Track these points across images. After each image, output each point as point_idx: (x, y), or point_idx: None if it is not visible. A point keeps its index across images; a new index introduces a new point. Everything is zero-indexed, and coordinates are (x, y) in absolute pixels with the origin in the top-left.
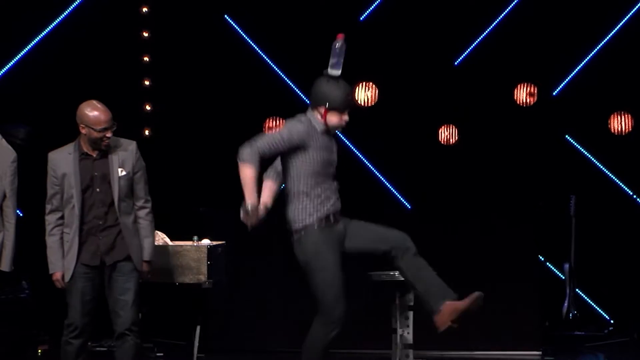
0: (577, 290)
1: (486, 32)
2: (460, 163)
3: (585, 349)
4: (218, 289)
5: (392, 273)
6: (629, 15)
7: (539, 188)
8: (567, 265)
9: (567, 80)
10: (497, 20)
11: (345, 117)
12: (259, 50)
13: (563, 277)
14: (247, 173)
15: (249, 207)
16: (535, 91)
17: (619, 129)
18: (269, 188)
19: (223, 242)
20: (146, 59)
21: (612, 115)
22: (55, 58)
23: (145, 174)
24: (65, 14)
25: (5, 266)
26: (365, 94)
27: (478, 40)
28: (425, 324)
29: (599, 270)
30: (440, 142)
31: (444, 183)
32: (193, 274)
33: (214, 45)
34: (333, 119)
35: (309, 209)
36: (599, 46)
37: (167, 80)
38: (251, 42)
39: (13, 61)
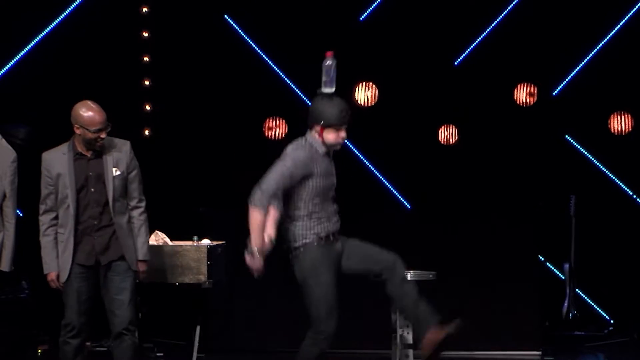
0: (577, 290)
1: (486, 32)
2: (460, 163)
3: (585, 349)
4: (218, 289)
5: None
6: (628, 15)
7: (539, 188)
8: (567, 265)
9: (567, 80)
10: (497, 20)
11: (342, 134)
12: (258, 50)
13: (563, 277)
14: (256, 217)
15: (255, 251)
16: (535, 91)
17: (619, 129)
18: (272, 217)
19: (223, 242)
20: (146, 59)
21: (612, 115)
22: (55, 58)
23: (140, 173)
24: (65, 14)
25: (5, 266)
26: (365, 94)
27: (478, 40)
28: None
29: (599, 270)
30: (440, 142)
31: (444, 183)
32: (193, 274)
33: (214, 46)
34: (330, 136)
35: (308, 228)
36: (599, 46)
37: (167, 80)
38: (251, 42)
39: (13, 61)
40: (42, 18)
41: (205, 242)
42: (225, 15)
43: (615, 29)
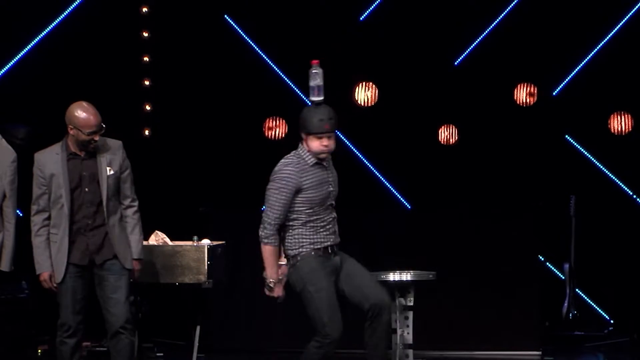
0: (577, 290)
1: (486, 32)
2: (460, 163)
3: (585, 349)
4: (218, 289)
5: (391, 273)
6: (628, 16)
7: (538, 188)
8: (567, 266)
9: (567, 80)
10: (497, 20)
11: (325, 142)
12: (258, 50)
13: (563, 277)
14: (267, 251)
15: (272, 284)
16: (535, 91)
17: (619, 129)
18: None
19: (223, 242)
20: (146, 59)
21: (612, 115)
22: (55, 58)
23: (132, 173)
24: (65, 14)
25: (5, 266)
26: (365, 94)
27: (478, 40)
28: (425, 324)
29: (599, 270)
30: (440, 142)
31: (444, 183)
32: (193, 274)
33: (214, 45)
34: (313, 144)
35: (304, 236)
36: (599, 46)
37: (167, 80)
38: (251, 42)
39: (13, 61)
40: (42, 18)
41: (205, 242)
42: (225, 15)
43: (615, 29)
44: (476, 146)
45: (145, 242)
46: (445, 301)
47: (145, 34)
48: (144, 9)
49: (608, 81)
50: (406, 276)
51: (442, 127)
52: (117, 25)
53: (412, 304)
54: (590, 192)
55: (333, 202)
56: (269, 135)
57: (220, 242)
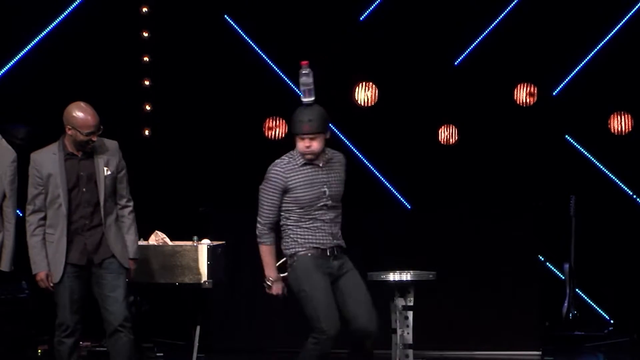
0: (577, 290)
1: (486, 32)
2: (460, 163)
3: (585, 349)
4: (218, 289)
5: (391, 273)
6: (629, 15)
7: (539, 188)
8: (567, 265)
9: (567, 80)
10: (497, 20)
11: (307, 144)
12: (258, 50)
13: (563, 277)
14: (263, 251)
15: (271, 282)
16: (535, 91)
17: (619, 129)
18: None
19: (223, 242)
20: (146, 59)
21: (612, 116)
22: (55, 58)
23: (127, 173)
24: (65, 14)
25: (5, 266)
26: (365, 94)
27: (478, 40)
28: (425, 324)
29: (599, 270)
30: (440, 142)
31: (444, 183)
32: (193, 274)
33: (214, 45)
34: (298, 145)
35: (299, 237)
36: (599, 46)
37: (166, 80)
38: (251, 42)
39: (13, 61)
40: (42, 18)
41: (206, 242)
42: (225, 15)
43: (615, 29)
44: (476, 146)
45: (145, 242)
46: (445, 301)
47: (145, 34)
48: (144, 9)
49: (608, 81)
50: (406, 276)
51: (442, 127)
52: (117, 25)
53: (412, 304)
54: (590, 192)
55: (328, 203)
56: (269, 135)
57: (220, 242)
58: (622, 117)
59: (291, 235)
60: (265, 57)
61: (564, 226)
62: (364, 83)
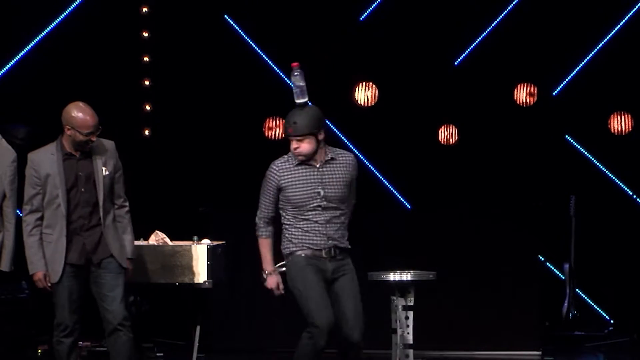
0: (577, 290)
1: (486, 32)
2: (460, 163)
3: (585, 349)
4: (218, 289)
5: (391, 273)
6: (629, 15)
7: (539, 188)
8: (567, 265)
9: (567, 80)
10: (497, 20)
11: (294, 145)
12: (258, 50)
13: (563, 277)
14: (261, 245)
15: (267, 274)
16: (535, 91)
17: (619, 129)
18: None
19: (223, 242)
20: (146, 59)
21: (612, 115)
22: (55, 58)
23: (123, 173)
24: (65, 14)
25: (5, 266)
26: (365, 94)
27: (478, 40)
28: (425, 324)
29: (599, 270)
30: (440, 142)
31: (444, 183)
32: (193, 274)
33: (214, 45)
34: (290, 146)
35: (294, 236)
36: (599, 46)
37: (166, 80)
38: (251, 42)
39: (13, 61)
40: (42, 18)
41: (206, 242)
42: (225, 15)
43: (616, 29)
44: (476, 146)
45: (145, 242)
46: (446, 301)
47: (145, 34)
48: (144, 9)
49: (608, 81)
50: (406, 276)
51: (442, 127)
52: (117, 25)
53: (412, 304)
54: (590, 192)
55: (322, 204)
56: (269, 135)
57: (220, 242)
58: (622, 117)
59: (287, 235)
60: (265, 57)
61: (564, 226)
62: (364, 83)
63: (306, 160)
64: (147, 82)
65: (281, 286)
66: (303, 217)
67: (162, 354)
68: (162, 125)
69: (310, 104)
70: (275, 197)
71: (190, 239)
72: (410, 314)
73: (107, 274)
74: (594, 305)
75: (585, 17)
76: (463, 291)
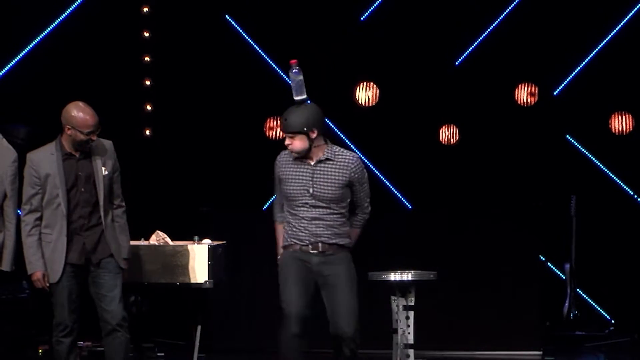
0: (577, 290)
1: (487, 32)
2: (461, 163)
3: (586, 349)
4: (219, 289)
5: (392, 273)
6: (629, 16)
7: (539, 188)
8: (567, 265)
9: (567, 80)
10: (498, 20)
11: (287, 141)
12: (259, 50)
13: (564, 277)
14: (276, 230)
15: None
16: (536, 91)
17: (620, 129)
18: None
19: (224, 242)
20: (147, 58)
21: (612, 115)
22: (56, 58)
23: (120, 174)
24: (66, 14)
25: (6, 266)
26: (366, 94)
27: (479, 40)
28: (426, 324)
29: (600, 270)
30: (441, 142)
31: (445, 183)
32: (194, 274)
33: (215, 45)
34: None
35: (287, 230)
36: (600, 46)
37: (167, 80)
38: (252, 42)
39: (14, 61)
40: (43, 18)
41: (206, 242)
42: (226, 15)
43: (616, 29)
44: (477, 146)
45: (146, 242)
46: (446, 301)
47: (146, 34)
48: (145, 9)
49: (609, 81)
50: (407, 276)
51: (443, 127)
52: (118, 25)
53: (413, 303)
54: (591, 192)
55: (310, 202)
56: (270, 135)
57: (221, 242)
58: (623, 117)
59: (286, 228)
60: (266, 57)
61: (565, 226)
62: (364, 83)
63: (301, 157)
64: (147, 82)
65: None
66: (294, 211)
67: (162, 354)
68: (163, 125)
69: (309, 101)
70: (280, 188)
71: (191, 239)
72: (411, 314)
73: (106, 274)
74: (595, 305)
75: (586, 17)
76: (464, 291)
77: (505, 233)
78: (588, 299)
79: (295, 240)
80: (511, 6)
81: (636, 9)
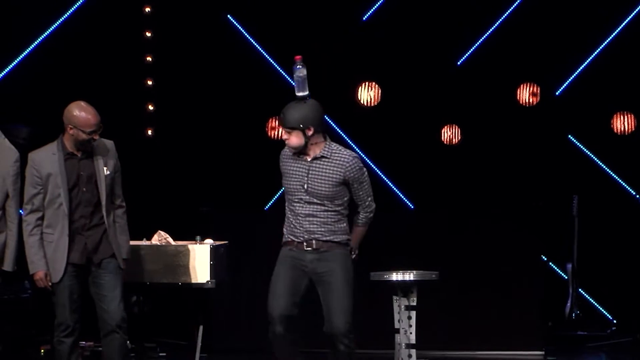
0: (579, 290)
1: (489, 32)
2: (462, 163)
3: (588, 349)
4: (221, 289)
5: (394, 273)
6: (631, 15)
7: (541, 188)
8: (569, 266)
9: (569, 80)
10: (500, 20)
11: (284, 136)
12: (261, 50)
13: (566, 277)
14: None
15: None
16: (538, 91)
17: (622, 128)
18: None
19: (226, 242)
20: (149, 58)
21: (614, 115)
22: (58, 58)
23: (121, 174)
24: (68, 13)
25: (8, 266)
26: (368, 94)
27: (481, 40)
28: (428, 324)
29: (602, 270)
30: (443, 142)
31: (447, 183)
32: (196, 274)
33: (217, 45)
34: None
35: (286, 227)
36: (602, 46)
37: (169, 80)
38: (254, 42)
39: (16, 61)
40: (45, 18)
41: (208, 242)
42: (228, 15)
43: (618, 29)
44: (479, 146)
45: (148, 242)
46: (448, 301)
47: (148, 34)
48: (147, 9)
49: (611, 81)
50: (409, 276)
51: (445, 127)
52: (120, 25)
53: (414, 303)
54: (593, 192)
55: (304, 198)
56: (272, 135)
57: (223, 242)
58: (625, 116)
59: (285, 223)
60: (268, 57)
61: (567, 226)
62: (366, 83)
63: (299, 153)
64: (149, 82)
65: None
66: (291, 207)
67: (164, 354)
68: (164, 125)
69: (308, 98)
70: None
71: (193, 239)
72: (413, 313)
73: (107, 275)
74: (597, 305)
75: (588, 17)
76: (466, 291)
77: (507, 233)
78: (590, 299)
79: (291, 237)
80: (513, 6)
81: (638, 9)
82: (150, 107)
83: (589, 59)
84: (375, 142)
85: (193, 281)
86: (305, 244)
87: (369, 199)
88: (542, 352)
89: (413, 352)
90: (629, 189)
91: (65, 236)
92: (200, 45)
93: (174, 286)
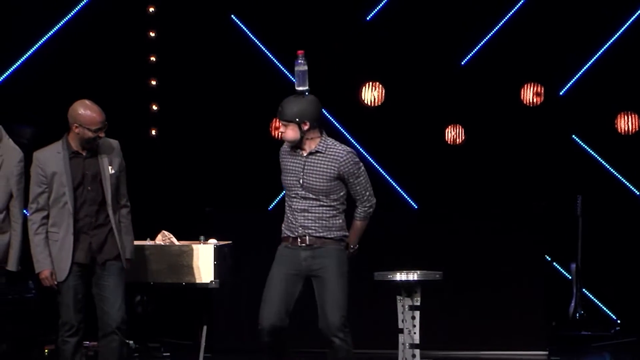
0: (583, 290)
1: (493, 32)
2: (466, 163)
3: (592, 349)
4: (225, 289)
5: (398, 273)
6: (635, 15)
7: (545, 188)
8: (573, 265)
9: (573, 80)
10: (504, 20)
11: (281, 129)
12: (265, 50)
13: (570, 277)
14: None
15: None
16: (542, 91)
17: (626, 128)
18: None
19: (230, 242)
20: (153, 58)
21: (618, 115)
22: (62, 58)
23: (126, 173)
24: (72, 13)
25: (12, 266)
26: (371, 94)
27: (485, 40)
28: (432, 324)
29: (606, 270)
30: (447, 142)
31: (451, 183)
32: (200, 274)
33: (221, 45)
34: None
35: (284, 222)
36: (606, 46)
37: (173, 80)
38: (258, 42)
39: (20, 61)
40: (49, 18)
41: (212, 242)
42: (232, 15)
43: (622, 29)
44: (483, 146)
45: (152, 242)
46: (452, 301)
47: (152, 34)
48: (151, 9)
49: (615, 81)
50: (412, 276)
51: (449, 127)
52: (124, 25)
53: (418, 303)
54: (597, 192)
55: (300, 193)
56: (276, 135)
57: (226, 242)
58: (629, 116)
59: (284, 218)
60: (271, 57)
61: (571, 226)
62: (370, 83)
63: (295, 147)
64: (153, 82)
65: None
66: (289, 202)
67: (168, 354)
68: (168, 125)
69: (308, 93)
70: None
71: (197, 239)
72: (417, 313)
73: (110, 277)
74: (601, 305)
75: (592, 17)
76: (470, 291)
77: (511, 233)
78: (594, 299)
79: (287, 232)
80: (517, 6)
81: None
82: (154, 107)
83: (593, 59)
84: (379, 142)
85: (197, 281)
86: (299, 239)
87: (367, 193)
88: (546, 352)
89: (417, 352)
90: (633, 188)
91: (70, 235)
92: (204, 46)
93: (178, 286)
